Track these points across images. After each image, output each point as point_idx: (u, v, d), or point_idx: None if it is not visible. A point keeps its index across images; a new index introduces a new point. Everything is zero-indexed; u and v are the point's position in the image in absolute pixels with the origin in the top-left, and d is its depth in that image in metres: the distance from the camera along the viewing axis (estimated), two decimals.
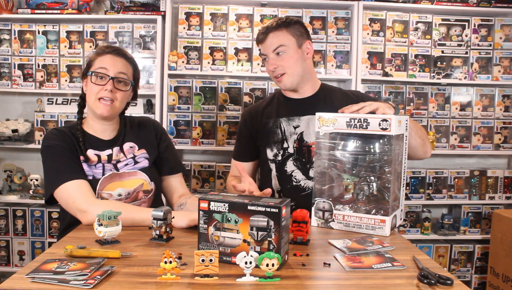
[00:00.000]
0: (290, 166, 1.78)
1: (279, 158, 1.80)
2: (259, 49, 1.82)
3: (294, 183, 1.78)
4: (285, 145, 1.79)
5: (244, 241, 1.06)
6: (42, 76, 2.74)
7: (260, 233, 1.05)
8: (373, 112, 1.46)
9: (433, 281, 0.97)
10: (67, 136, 1.56)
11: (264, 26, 1.77)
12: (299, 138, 1.77)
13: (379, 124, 1.34)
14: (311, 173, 1.72)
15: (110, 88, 1.54)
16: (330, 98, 1.81)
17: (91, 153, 1.56)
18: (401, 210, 1.47)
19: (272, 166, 1.81)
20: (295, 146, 1.77)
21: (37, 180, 2.74)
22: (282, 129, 1.79)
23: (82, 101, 1.64)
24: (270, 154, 1.81)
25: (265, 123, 1.83)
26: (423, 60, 2.83)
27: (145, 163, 1.65)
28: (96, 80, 1.54)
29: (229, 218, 1.07)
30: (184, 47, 2.71)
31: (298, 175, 1.77)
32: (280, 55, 1.72)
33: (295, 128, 1.78)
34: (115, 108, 1.57)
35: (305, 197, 1.72)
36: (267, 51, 1.74)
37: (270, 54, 1.74)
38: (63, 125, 2.68)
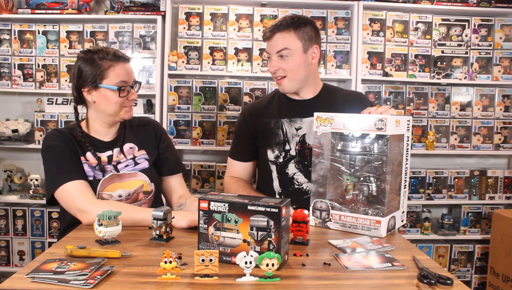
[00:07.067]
0: (291, 168, 1.75)
1: (281, 160, 1.76)
2: (266, 47, 1.75)
3: (295, 186, 1.75)
4: (287, 147, 1.75)
5: (244, 241, 1.06)
6: (42, 76, 2.74)
7: (260, 233, 1.05)
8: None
9: (433, 281, 0.97)
10: (67, 137, 1.55)
11: (273, 23, 1.68)
12: (301, 140, 1.74)
13: (375, 124, 1.31)
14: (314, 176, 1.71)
15: (135, 97, 1.59)
16: (332, 99, 1.78)
17: (91, 155, 1.56)
18: (402, 211, 1.46)
19: (273, 167, 1.78)
20: (297, 148, 1.74)
21: (37, 180, 2.74)
22: (284, 130, 1.75)
23: (77, 114, 1.62)
24: (271, 155, 1.77)
25: (266, 122, 1.78)
26: (423, 60, 2.83)
27: (145, 164, 1.65)
28: (122, 94, 1.54)
29: (229, 218, 1.07)
30: (184, 47, 2.71)
31: (300, 178, 1.74)
32: (284, 58, 1.67)
33: (297, 129, 1.75)
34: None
35: (307, 200, 1.70)
36: (271, 51, 1.69)
37: (274, 54, 1.69)
38: (63, 125, 2.68)
